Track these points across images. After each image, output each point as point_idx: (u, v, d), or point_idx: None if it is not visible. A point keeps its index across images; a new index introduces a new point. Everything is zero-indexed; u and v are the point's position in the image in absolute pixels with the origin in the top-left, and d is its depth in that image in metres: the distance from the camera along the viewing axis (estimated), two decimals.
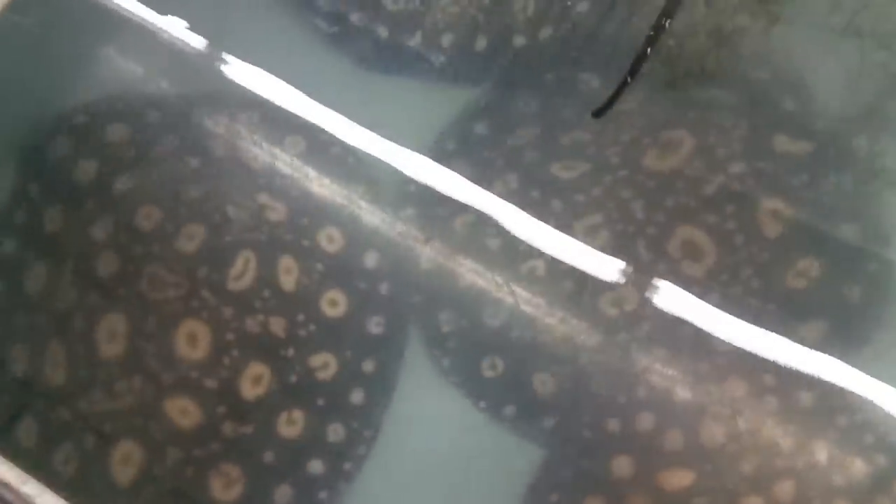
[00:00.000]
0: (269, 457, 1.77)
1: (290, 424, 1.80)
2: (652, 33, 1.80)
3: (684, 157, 1.84)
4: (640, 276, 1.78)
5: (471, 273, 1.92)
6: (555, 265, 1.87)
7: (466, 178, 1.99)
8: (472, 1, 2.08)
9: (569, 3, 2.12)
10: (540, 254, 1.89)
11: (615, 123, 1.95)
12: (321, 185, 1.99)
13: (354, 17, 2.11)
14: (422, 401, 1.92)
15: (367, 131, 2.05)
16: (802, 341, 1.72)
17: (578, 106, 2.02)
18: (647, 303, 1.78)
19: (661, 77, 1.95)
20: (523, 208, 1.92)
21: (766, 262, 1.75)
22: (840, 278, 1.77)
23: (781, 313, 1.75)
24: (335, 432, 1.83)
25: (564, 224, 1.87)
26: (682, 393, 1.72)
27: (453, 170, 2.00)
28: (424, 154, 2.04)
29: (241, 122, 1.97)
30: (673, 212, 1.80)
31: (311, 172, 1.98)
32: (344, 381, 1.87)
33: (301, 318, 1.86)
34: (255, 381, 1.78)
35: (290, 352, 1.83)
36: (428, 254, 1.96)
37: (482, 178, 1.98)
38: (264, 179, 1.94)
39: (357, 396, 1.87)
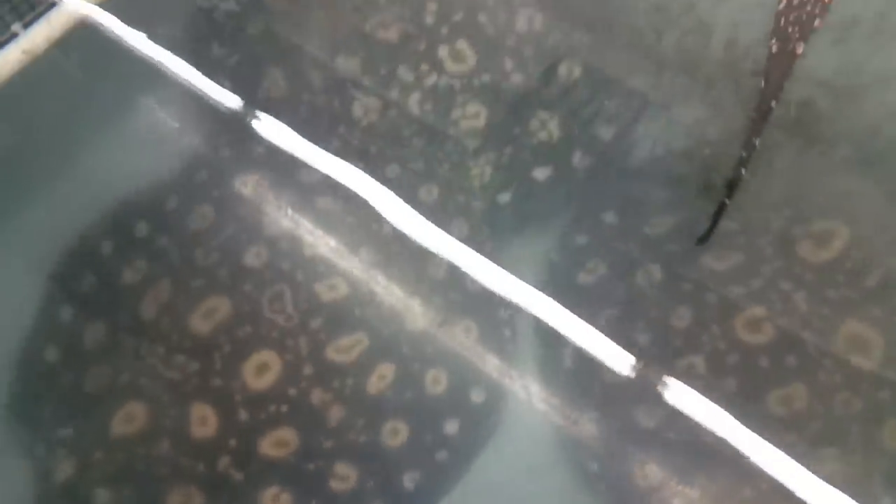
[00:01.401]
0: None
1: (273, 502, 1.71)
2: (744, 154, 1.80)
3: (841, 249, 1.80)
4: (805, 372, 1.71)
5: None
6: (713, 359, 1.76)
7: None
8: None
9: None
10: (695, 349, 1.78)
11: (761, 212, 1.90)
12: (467, 330, 1.93)
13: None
14: None
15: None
16: None
17: None
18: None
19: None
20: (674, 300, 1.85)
21: None
22: None
23: None
24: None
25: (722, 318, 1.80)
26: None
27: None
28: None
29: None
30: (836, 305, 1.74)
31: (466, 318, 1.93)
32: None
33: (360, 422, 1.78)
34: (276, 444, 1.71)
35: (329, 444, 1.75)
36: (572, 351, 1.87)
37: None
38: (427, 288, 1.91)
39: None
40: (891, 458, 1.63)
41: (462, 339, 1.93)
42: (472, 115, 2.09)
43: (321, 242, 1.87)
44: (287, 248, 1.85)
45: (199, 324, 1.75)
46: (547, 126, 2.10)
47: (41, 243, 1.94)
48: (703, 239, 1.88)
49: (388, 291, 1.86)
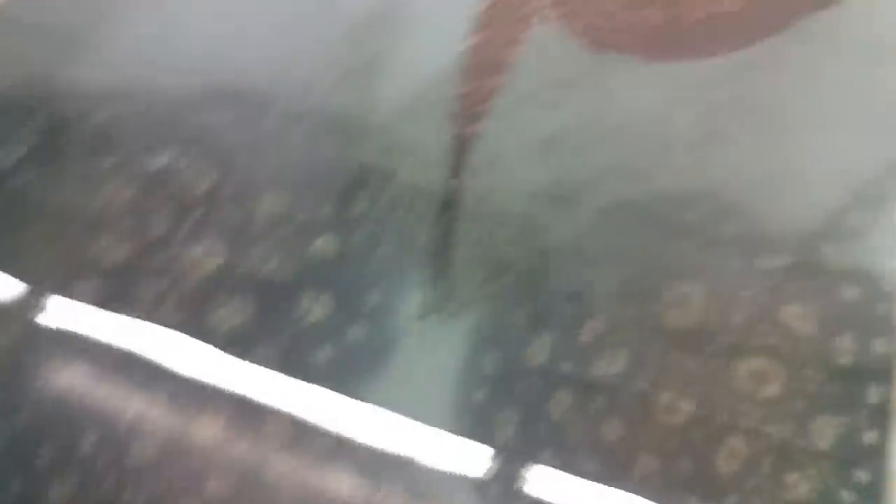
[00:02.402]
0: None
1: None
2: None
3: (703, 307, 1.82)
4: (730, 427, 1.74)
5: None
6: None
7: None
8: None
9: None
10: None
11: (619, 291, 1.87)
12: None
13: None
14: None
15: None
16: None
17: None
18: None
19: None
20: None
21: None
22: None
23: None
24: None
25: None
26: None
27: None
28: None
29: None
30: (722, 354, 1.77)
31: None
32: None
33: None
34: None
35: None
36: None
37: None
38: None
39: None
40: None
41: None
42: (238, 311, 1.91)
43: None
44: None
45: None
46: (316, 304, 1.94)
47: None
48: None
49: None
